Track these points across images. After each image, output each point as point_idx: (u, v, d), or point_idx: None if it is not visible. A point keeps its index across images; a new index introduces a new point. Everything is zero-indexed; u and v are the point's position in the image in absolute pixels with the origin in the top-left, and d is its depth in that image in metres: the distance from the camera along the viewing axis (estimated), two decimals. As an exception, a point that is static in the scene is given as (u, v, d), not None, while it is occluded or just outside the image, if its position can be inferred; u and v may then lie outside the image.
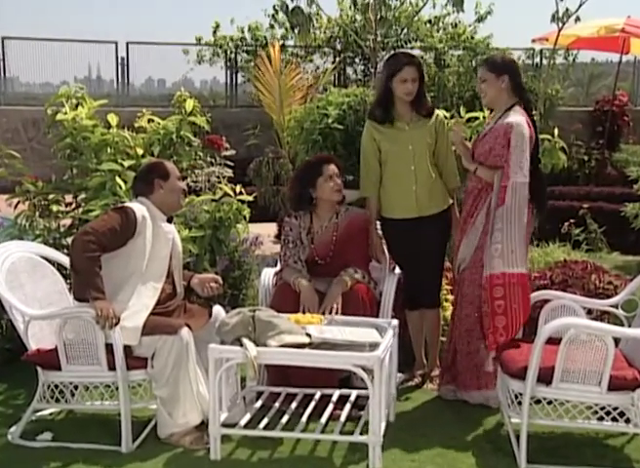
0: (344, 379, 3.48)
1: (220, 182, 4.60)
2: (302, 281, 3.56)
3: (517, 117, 3.44)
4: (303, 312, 3.45)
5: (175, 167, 3.43)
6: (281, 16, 11.41)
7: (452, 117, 4.98)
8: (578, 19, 5.73)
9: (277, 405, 3.32)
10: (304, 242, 3.72)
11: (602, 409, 2.94)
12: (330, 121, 4.37)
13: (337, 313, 3.44)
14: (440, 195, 3.71)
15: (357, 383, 3.42)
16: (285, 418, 3.17)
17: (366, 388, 3.28)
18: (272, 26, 12.47)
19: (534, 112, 3.89)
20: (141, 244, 3.19)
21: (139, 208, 3.22)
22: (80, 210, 4.20)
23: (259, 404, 3.32)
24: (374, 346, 3.02)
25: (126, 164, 4.02)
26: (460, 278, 3.59)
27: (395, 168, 3.67)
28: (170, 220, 3.38)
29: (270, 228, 7.55)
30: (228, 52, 12.53)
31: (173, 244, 3.35)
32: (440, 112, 3.80)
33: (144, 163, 3.69)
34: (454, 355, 3.63)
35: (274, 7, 11.59)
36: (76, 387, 3.19)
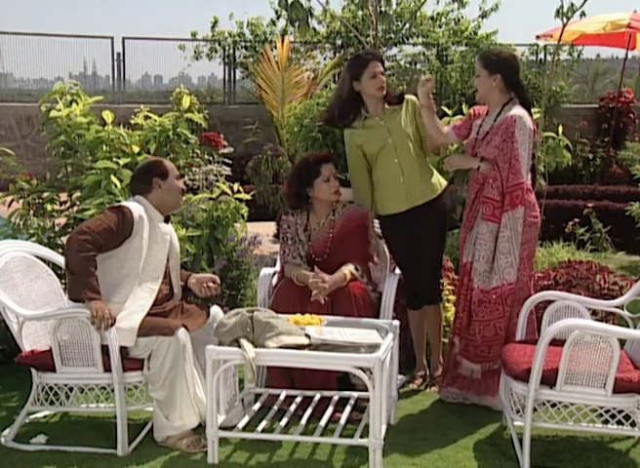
0: (340, 378, 3.43)
1: (217, 180, 4.55)
2: (302, 271, 3.51)
3: (519, 110, 3.42)
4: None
5: (174, 166, 3.38)
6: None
7: (454, 115, 4.93)
8: (583, 14, 5.63)
9: (276, 407, 3.29)
10: (302, 239, 3.68)
11: (607, 411, 2.90)
12: (329, 118, 4.30)
13: (324, 282, 3.39)
14: (430, 181, 3.67)
15: (354, 380, 3.38)
16: (284, 421, 3.13)
17: (364, 387, 3.24)
18: (274, 22, 12.39)
19: (535, 110, 3.82)
20: (138, 244, 3.15)
21: (136, 207, 3.17)
22: (75, 208, 4.16)
23: (257, 406, 3.28)
24: (374, 347, 2.97)
25: (121, 162, 3.97)
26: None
27: (381, 164, 3.64)
28: (167, 221, 3.33)
29: (269, 227, 7.50)
30: (227, 48, 12.45)
31: (170, 245, 3.31)
32: (409, 96, 3.73)
33: (143, 161, 3.63)
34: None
35: (279, 3, 11.52)
36: (71, 389, 3.16)
